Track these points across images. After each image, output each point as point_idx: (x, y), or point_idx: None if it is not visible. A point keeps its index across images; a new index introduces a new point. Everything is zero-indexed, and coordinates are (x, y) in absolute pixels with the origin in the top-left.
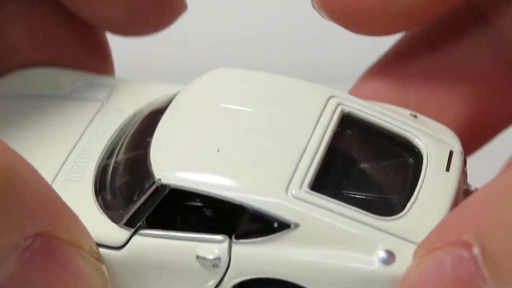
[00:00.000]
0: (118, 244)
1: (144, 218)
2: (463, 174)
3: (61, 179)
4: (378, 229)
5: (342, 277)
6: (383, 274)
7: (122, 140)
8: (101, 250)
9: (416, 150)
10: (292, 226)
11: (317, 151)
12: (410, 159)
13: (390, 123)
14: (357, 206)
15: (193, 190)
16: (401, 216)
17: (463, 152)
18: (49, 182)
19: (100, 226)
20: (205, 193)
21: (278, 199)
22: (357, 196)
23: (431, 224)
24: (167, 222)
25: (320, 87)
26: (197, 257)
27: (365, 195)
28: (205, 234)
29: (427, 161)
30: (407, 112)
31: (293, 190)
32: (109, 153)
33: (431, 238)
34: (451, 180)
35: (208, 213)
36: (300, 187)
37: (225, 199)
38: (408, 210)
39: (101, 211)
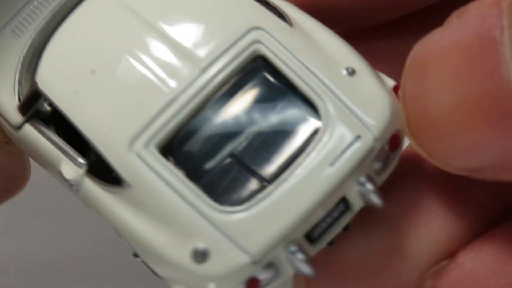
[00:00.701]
0: (15, 124)
1: (33, 110)
2: (367, 166)
3: (9, 27)
4: (208, 219)
5: (154, 255)
6: (187, 268)
7: (63, 8)
8: (7, 125)
9: (316, 125)
10: (124, 184)
11: (191, 100)
12: (303, 135)
13: (304, 82)
14: (209, 181)
15: (57, 109)
16: (243, 210)
17: (379, 139)
18: None
19: (8, 100)
20: (65, 117)
21: (119, 151)
22: (217, 167)
23: (270, 231)
24: (59, 124)
25: (253, 9)
26: (58, 171)
27: (228, 167)
28: (74, 152)
29: (316, 144)
30: (346, 64)
31: (138, 145)
32: (51, 18)
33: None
34: (328, 180)
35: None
36: (147, 144)
37: (80, 131)
38: (254, 204)
39: (16, 84)
